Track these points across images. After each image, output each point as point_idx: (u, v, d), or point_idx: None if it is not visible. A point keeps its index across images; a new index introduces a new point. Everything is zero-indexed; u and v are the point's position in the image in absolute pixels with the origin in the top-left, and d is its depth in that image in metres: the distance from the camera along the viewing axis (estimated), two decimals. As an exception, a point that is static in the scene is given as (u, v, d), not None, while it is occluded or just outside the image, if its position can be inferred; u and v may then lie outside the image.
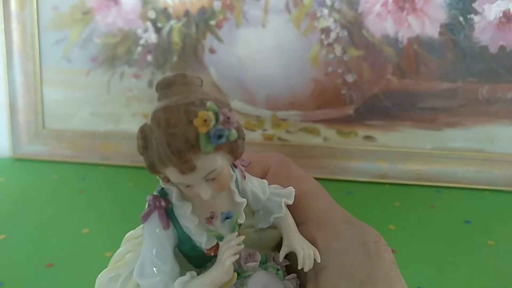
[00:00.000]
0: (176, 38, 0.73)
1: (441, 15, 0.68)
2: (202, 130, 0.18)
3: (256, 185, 0.26)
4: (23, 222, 0.58)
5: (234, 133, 0.19)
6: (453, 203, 0.65)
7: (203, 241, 0.23)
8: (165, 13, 0.73)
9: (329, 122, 0.73)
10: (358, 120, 0.72)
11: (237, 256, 0.23)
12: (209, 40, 0.73)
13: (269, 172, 0.28)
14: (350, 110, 0.72)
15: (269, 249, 0.28)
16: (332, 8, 0.70)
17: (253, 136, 0.74)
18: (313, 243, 0.26)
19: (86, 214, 0.60)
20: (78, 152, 0.77)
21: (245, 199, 0.24)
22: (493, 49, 0.68)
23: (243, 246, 0.23)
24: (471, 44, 0.68)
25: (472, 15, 0.68)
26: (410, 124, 0.72)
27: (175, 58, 0.74)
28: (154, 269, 0.23)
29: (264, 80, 0.73)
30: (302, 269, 0.25)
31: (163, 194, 0.23)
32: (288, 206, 0.27)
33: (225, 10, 0.72)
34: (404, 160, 0.72)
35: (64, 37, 0.76)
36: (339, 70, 0.71)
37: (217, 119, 0.19)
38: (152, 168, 0.21)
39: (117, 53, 0.75)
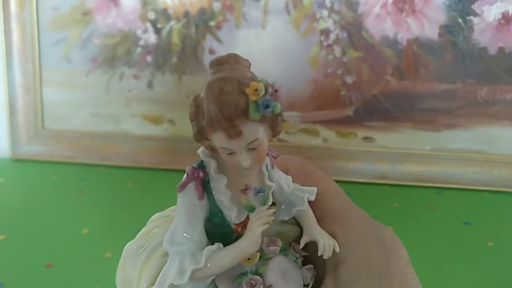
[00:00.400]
0: (175, 39, 0.73)
1: (440, 17, 0.68)
2: (253, 98, 0.20)
3: (282, 177, 0.28)
4: (23, 222, 0.58)
5: (279, 106, 0.21)
6: (452, 204, 0.66)
7: (233, 215, 0.24)
8: (164, 14, 0.73)
9: (328, 123, 0.73)
10: (357, 121, 0.73)
11: (267, 225, 0.24)
12: (209, 41, 0.73)
13: (288, 173, 0.29)
14: (349, 111, 0.73)
15: (288, 242, 0.29)
16: (331, 9, 0.70)
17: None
18: (333, 237, 0.27)
19: (85, 215, 0.60)
20: (78, 153, 0.77)
21: (273, 184, 0.26)
22: (492, 51, 0.68)
23: (273, 218, 0.25)
24: (470, 46, 0.69)
25: (471, 17, 0.68)
26: (410, 125, 0.72)
27: (174, 59, 0.74)
28: (184, 236, 0.24)
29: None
30: (320, 261, 0.26)
31: (202, 166, 0.24)
32: (308, 203, 0.28)
33: (224, 11, 0.72)
34: (403, 161, 0.72)
35: (64, 38, 0.76)
36: (339, 71, 0.71)
37: (266, 91, 0.21)
38: (200, 133, 0.22)
39: (116, 53, 0.75)
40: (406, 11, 0.69)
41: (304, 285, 0.27)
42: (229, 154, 0.22)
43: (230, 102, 0.20)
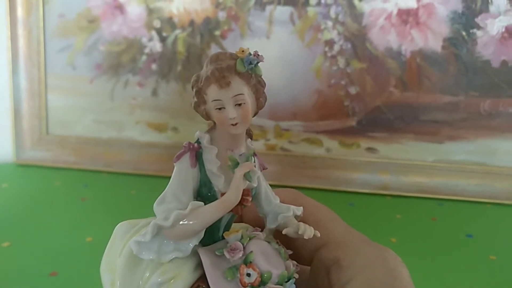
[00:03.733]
0: (180, 47, 0.74)
1: (444, 29, 0.69)
2: (240, 55, 0.26)
3: (270, 188, 0.30)
4: (27, 229, 0.58)
5: (260, 68, 0.26)
6: (454, 216, 0.66)
7: (220, 183, 0.27)
8: (170, 23, 0.74)
9: (331, 133, 0.74)
10: (360, 132, 0.73)
11: (248, 169, 0.27)
12: (214, 50, 0.73)
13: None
14: (352, 122, 0.73)
15: None
16: (336, 20, 0.70)
17: (256, 146, 0.74)
18: (336, 261, 0.28)
19: (89, 222, 0.60)
20: (81, 159, 0.78)
21: (259, 170, 0.29)
22: (495, 64, 0.69)
23: (254, 165, 0.28)
24: (474, 59, 0.69)
25: (474, 30, 0.68)
26: (412, 136, 0.72)
27: (179, 67, 0.74)
28: (174, 197, 0.26)
29: (267, 90, 0.73)
30: (324, 281, 0.27)
31: (197, 142, 0.28)
32: None
33: (230, 20, 0.72)
34: (406, 172, 0.72)
35: (70, 44, 0.76)
36: (342, 82, 0.72)
37: (250, 54, 0.26)
38: (198, 93, 0.27)
39: (121, 61, 0.76)
40: (410, 23, 0.69)
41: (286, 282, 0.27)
42: (219, 109, 0.26)
43: (223, 64, 0.26)
